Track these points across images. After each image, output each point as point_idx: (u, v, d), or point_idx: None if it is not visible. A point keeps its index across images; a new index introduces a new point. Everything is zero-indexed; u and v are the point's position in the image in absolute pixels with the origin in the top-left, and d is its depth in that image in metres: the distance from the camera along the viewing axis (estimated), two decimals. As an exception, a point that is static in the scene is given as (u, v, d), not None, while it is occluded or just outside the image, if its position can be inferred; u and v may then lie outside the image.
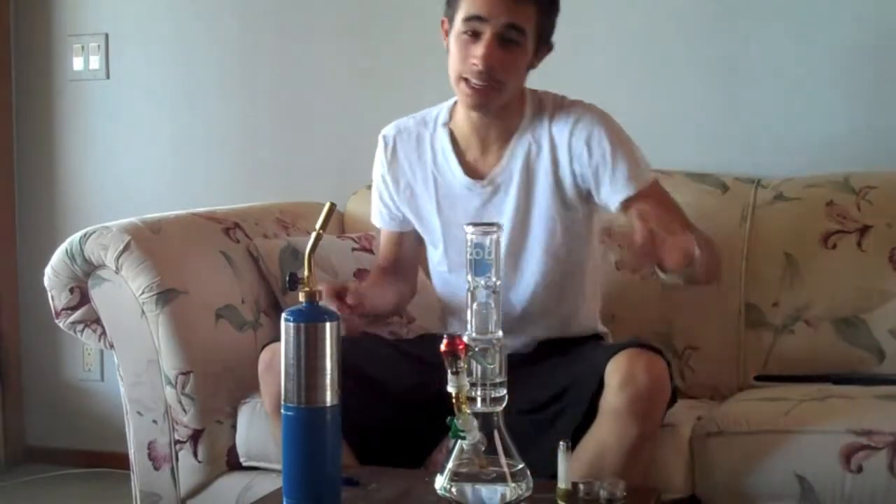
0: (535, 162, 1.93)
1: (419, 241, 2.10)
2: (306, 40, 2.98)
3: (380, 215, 2.10)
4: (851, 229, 2.24)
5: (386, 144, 2.04)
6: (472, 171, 1.96)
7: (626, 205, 1.87)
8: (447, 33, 1.90)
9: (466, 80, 1.84)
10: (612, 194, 1.88)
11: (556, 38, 2.56)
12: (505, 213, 1.93)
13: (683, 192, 2.40)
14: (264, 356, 1.87)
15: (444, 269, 2.02)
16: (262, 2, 3.02)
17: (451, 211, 1.98)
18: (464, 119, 1.96)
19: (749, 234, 2.32)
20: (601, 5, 2.70)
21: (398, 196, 2.04)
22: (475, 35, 1.82)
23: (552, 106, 1.95)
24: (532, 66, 1.91)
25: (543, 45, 1.91)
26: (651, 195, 1.88)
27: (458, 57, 1.85)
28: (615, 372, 1.66)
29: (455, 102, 1.99)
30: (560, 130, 1.91)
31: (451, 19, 1.88)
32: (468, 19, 1.82)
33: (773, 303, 2.26)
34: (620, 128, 1.93)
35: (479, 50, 1.81)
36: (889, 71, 2.49)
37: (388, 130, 2.06)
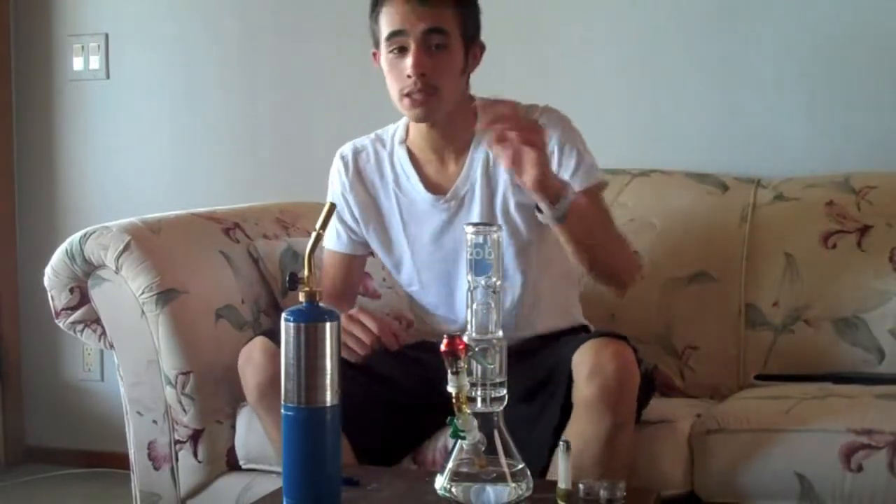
0: (493, 169, 1.93)
1: (364, 266, 2.10)
2: (306, 40, 2.98)
3: (336, 237, 2.05)
4: (851, 229, 2.25)
5: (346, 165, 2.02)
6: (433, 188, 1.97)
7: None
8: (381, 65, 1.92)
9: (407, 95, 1.85)
10: None
11: (557, 38, 2.56)
12: None
13: (683, 192, 2.41)
14: (244, 351, 1.89)
15: (417, 289, 2.02)
16: (262, 2, 3.02)
17: (417, 228, 1.98)
18: (418, 136, 1.97)
19: (749, 234, 2.32)
20: (602, 6, 2.70)
21: (361, 216, 2.02)
22: (402, 51, 1.85)
23: None
24: (468, 70, 1.91)
25: (472, 45, 1.90)
26: (589, 197, 1.85)
27: (393, 76, 1.87)
28: (582, 364, 1.67)
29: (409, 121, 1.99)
30: None
31: (377, 47, 1.91)
32: (390, 37, 1.85)
33: (773, 303, 2.26)
34: (577, 132, 1.92)
35: (408, 61, 1.83)
36: (889, 71, 2.49)
37: (346, 150, 2.04)
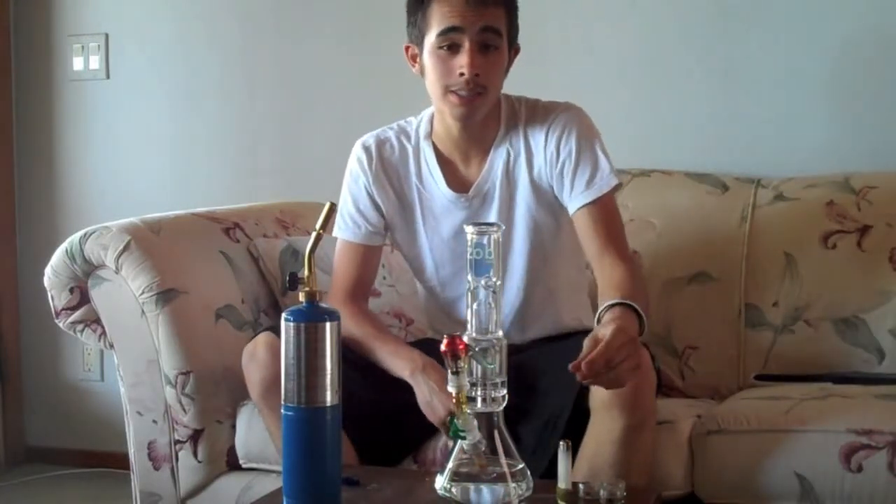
0: (513, 169, 1.94)
1: (380, 258, 2.07)
2: (306, 40, 2.98)
3: (354, 227, 1.99)
4: (851, 229, 2.24)
5: (370, 155, 1.99)
6: (455, 185, 1.96)
7: (581, 212, 1.88)
8: (414, 59, 1.91)
9: (454, 92, 1.84)
10: (570, 200, 1.89)
11: (558, 38, 2.56)
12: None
13: (683, 192, 2.41)
14: (248, 348, 1.89)
15: (436, 284, 2.02)
16: (262, 2, 3.02)
17: (436, 224, 1.98)
18: (444, 133, 1.96)
19: (749, 234, 2.32)
20: (602, 7, 2.70)
21: (386, 207, 1.99)
22: (452, 48, 1.83)
23: (526, 110, 1.95)
24: (506, 70, 1.92)
25: (512, 47, 1.91)
26: (602, 208, 1.87)
27: (441, 71, 1.84)
28: None
29: (433, 115, 1.98)
30: (536, 135, 1.93)
31: (418, 42, 1.89)
32: (444, 33, 1.82)
33: (773, 303, 2.26)
34: (594, 130, 1.93)
35: (463, 59, 1.81)
36: (889, 71, 2.49)
37: (369, 141, 2.01)
